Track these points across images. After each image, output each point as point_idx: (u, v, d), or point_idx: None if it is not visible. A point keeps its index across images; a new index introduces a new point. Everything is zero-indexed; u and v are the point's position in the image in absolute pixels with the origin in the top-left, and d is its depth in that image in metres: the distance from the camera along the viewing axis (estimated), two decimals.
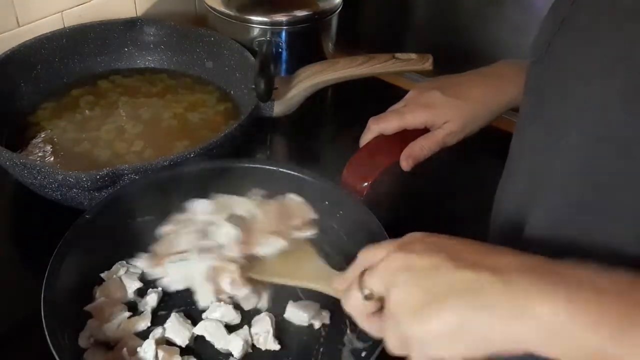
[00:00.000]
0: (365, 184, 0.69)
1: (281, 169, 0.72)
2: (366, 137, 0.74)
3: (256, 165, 0.73)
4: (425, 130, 0.73)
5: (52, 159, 0.83)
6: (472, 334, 0.40)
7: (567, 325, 0.38)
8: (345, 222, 0.69)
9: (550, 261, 0.41)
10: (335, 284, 0.52)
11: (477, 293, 0.40)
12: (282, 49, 1.00)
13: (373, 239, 0.62)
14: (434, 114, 0.72)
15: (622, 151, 0.44)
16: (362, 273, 0.47)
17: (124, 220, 0.69)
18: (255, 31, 0.98)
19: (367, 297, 0.46)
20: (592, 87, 0.45)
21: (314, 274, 0.59)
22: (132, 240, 0.69)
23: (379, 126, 0.73)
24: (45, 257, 0.60)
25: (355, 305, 0.47)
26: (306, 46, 1.03)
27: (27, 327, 0.64)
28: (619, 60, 0.43)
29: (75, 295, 0.60)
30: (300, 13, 0.99)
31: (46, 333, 0.53)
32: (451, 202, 0.85)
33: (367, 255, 0.48)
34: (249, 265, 0.63)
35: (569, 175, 0.49)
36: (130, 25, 1.00)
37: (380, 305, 0.46)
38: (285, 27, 0.99)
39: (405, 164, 0.72)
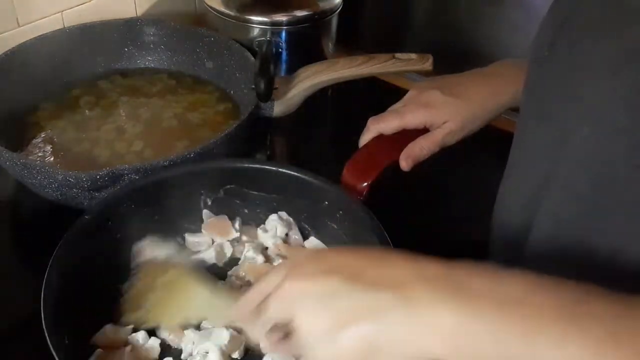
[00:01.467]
0: (365, 183, 0.69)
1: (281, 169, 0.72)
2: (366, 137, 0.74)
3: (256, 166, 0.73)
4: (424, 130, 0.73)
5: (52, 159, 0.82)
6: (383, 352, 0.40)
7: (471, 335, 0.38)
8: (345, 222, 0.69)
9: (449, 268, 0.41)
10: (234, 315, 0.51)
11: (380, 313, 0.40)
12: (282, 49, 1.00)
13: (373, 238, 0.63)
14: (434, 114, 0.72)
15: (628, 150, 0.44)
16: (261, 302, 0.46)
17: (124, 220, 0.69)
18: (255, 31, 0.98)
19: (270, 328, 0.45)
20: (599, 85, 0.45)
21: (203, 306, 0.57)
22: (132, 240, 0.70)
23: (378, 126, 0.73)
24: (45, 257, 0.60)
25: (259, 336, 0.47)
26: (306, 46, 1.03)
27: (27, 327, 0.63)
28: (624, 59, 0.43)
29: (76, 295, 0.60)
30: (300, 13, 0.99)
31: (46, 333, 0.53)
32: (451, 201, 0.85)
33: (266, 282, 0.47)
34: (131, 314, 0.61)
35: (574, 174, 0.48)
36: (130, 25, 1.00)
37: (285, 330, 0.45)
38: (285, 27, 0.99)
39: (405, 164, 0.72)
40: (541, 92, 0.54)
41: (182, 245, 0.73)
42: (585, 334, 0.36)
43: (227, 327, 0.62)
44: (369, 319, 0.40)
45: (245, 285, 0.67)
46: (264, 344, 0.48)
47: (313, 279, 0.43)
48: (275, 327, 0.45)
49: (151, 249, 0.65)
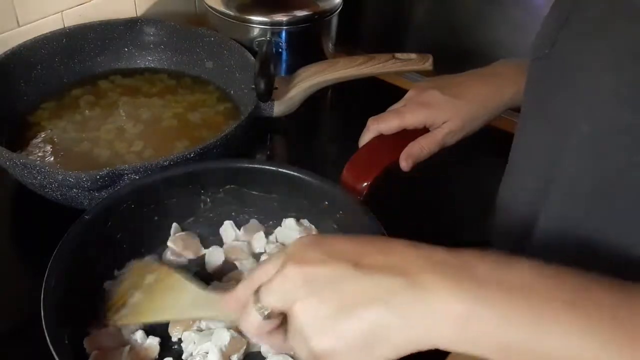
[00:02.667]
0: (365, 184, 0.69)
1: (281, 169, 0.72)
2: (365, 137, 0.74)
3: (256, 166, 0.73)
4: (424, 130, 0.73)
5: (52, 159, 0.83)
6: (388, 338, 0.40)
7: (478, 321, 0.38)
8: (345, 223, 0.69)
9: (454, 255, 0.41)
10: (224, 307, 0.50)
11: (387, 297, 0.40)
12: (282, 49, 1.00)
13: None
14: (433, 114, 0.72)
15: (629, 148, 0.43)
16: (257, 291, 0.44)
17: (124, 220, 0.69)
18: (255, 31, 0.98)
19: (267, 316, 0.44)
20: (602, 81, 0.45)
21: (192, 302, 0.56)
22: (132, 241, 0.70)
23: (378, 126, 0.73)
24: (45, 257, 0.60)
25: (253, 326, 0.45)
26: (306, 46, 1.03)
27: (27, 327, 0.63)
28: (625, 58, 0.43)
29: (75, 295, 0.60)
30: (300, 13, 0.99)
31: (46, 334, 0.53)
32: (451, 201, 0.85)
33: (258, 272, 0.46)
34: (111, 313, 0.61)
35: (578, 170, 0.48)
36: (130, 25, 1.00)
37: (280, 320, 0.44)
38: (285, 27, 0.99)
39: (405, 164, 0.72)
40: (542, 91, 0.54)
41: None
42: (590, 321, 0.37)
43: (228, 328, 0.62)
44: (377, 304, 0.40)
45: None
46: (255, 334, 0.46)
47: (316, 263, 0.42)
48: (270, 317, 0.44)
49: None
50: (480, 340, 0.38)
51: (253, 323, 0.45)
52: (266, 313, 0.44)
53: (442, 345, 0.39)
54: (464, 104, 0.72)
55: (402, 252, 0.42)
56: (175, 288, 0.58)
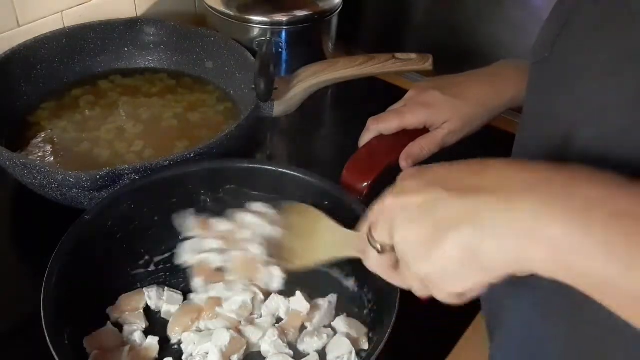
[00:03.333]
0: (365, 183, 0.69)
1: (280, 169, 0.72)
2: (365, 137, 0.74)
3: (256, 166, 0.73)
4: (424, 130, 0.73)
5: (52, 159, 0.83)
6: (480, 260, 0.39)
7: (578, 248, 0.36)
8: (345, 223, 0.69)
9: (559, 171, 0.39)
10: (354, 245, 0.52)
11: (479, 218, 0.39)
12: (282, 49, 1.00)
13: None
14: (434, 114, 0.72)
15: (631, 152, 0.43)
16: (370, 229, 0.46)
17: (124, 220, 0.69)
18: (255, 31, 0.98)
19: (381, 251, 0.45)
20: (602, 84, 0.45)
21: (336, 242, 0.57)
22: (132, 240, 0.70)
23: (378, 126, 0.73)
24: (45, 257, 0.60)
25: (375, 263, 0.47)
26: (306, 46, 1.03)
27: (27, 327, 0.64)
28: (627, 60, 0.43)
29: (75, 295, 0.60)
30: (300, 13, 0.99)
31: (46, 334, 0.53)
32: None
33: (372, 210, 0.48)
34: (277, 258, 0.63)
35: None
36: (130, 25, 1.00)
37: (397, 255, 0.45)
38: (285, 27, 0.99)
39: (405, 164, 0.72)
40: (543, 94, 0.54)
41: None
42: None
43: (227, 329, 0.62)
44: (469, 224, 0.39)
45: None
46: (378, 271, 0.48)
47: (413, 192, 0.43)
48: (384, 251, 0.45)
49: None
50: (573, 268, 0.36)
51: (372, 259, 0.47)
52: (379, 247, 0.45)
53: (535, 270, 0.38)
54: (464, 104, 0.72)
55: (499, 170, 0.41)
56: (322, 229, 0.59)
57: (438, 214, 0.41)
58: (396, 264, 0.46)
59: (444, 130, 0.72)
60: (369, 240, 0.46)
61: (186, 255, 0.65)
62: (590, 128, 0.46)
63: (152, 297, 0.67)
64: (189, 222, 0.67)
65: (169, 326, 0.64)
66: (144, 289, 0.67)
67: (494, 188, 0.39)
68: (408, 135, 0.73)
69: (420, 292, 0.45)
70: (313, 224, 0.60)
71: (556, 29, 0.52)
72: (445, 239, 0.40)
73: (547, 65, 0.53)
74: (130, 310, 0.65)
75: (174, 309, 0.66)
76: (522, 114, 0.59)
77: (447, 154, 0.75)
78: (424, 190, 0.42)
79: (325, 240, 0.58)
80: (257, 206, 0.69)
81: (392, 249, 0.45)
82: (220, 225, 0.67)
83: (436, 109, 0.72)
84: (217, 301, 0.65)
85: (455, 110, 0.72)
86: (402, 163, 0.72)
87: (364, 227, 0.49)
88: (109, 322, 0.63)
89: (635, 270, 0.34)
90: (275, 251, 0.63)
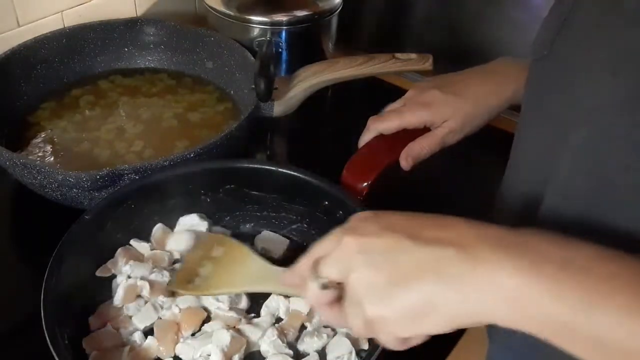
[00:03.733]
0: (365, 183, 0.69)
1: (280, 169, 0.71)
2: (365, 137, 0.74)
3: (256, 166, 0.73)
4: (425, 130, 0.73)
5: (52, 159, 0.83)
6: (439, 310, 0.40)
7: (534, 296, 0.37)
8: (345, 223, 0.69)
9: (511, 232, 0.41)
10: (286, 280, 0.51)
11: (442, 269, 0.40)
12: (282, 49, 1.00)
13: None
14: (433, 113, 0.72)
15: (625, 154, 0.43)
16: (315, 264, 0.46)
17: (123, 220, 0.69)
18: (255, 31, 0.98)
19: (325, 286, 0.45)
20: (600, 84, 0.45)
21: (258, 275, 0.58)
22: (135, 238, 0.70)
23: (378, 126, 0.73)
24: (45, 257, 0.60)
25: (314, 296, 0.46)
26: (306, 46, 1.03)
27: (27, 327, 0.63)
28: (623, 61, 0.43)
29: (75, 296, 0.60)
30: (300, 13, 0.99)
31: (46, 334, 0.53)
32: (451, 201, 0.85)
33: (319, 248, 0.47)
34: (181, 282, 0.63)
35: (572, 177, 0.48)
36: (130, 25, 1.00)
37: (339, 293, 0.45)
38: (285, 27, 0.99)
39: (405, 163, 0.72)
40: (541, 92, 0.54)
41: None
42: None
43: (227, 329, 0.62)
44: (430, 275, 0.40)
45: None
46: (315, 305, 0.47)
47: (373, 235, 0.43)
48: (328, 287, 0.45)
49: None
50: (531, 317, 0.38)
51: (312, 294, 0.46)
52: (323, 283, 0.45)
53: (493, 320, 0.39)
54: (464, 102, 0.72)
55: (458, 226, 0.42)
56: (243, 261, 0.60)
57: (400, 261, 0.41)
58: (335, 301, 0.46)
59: (444, 129, 0.72)
60: (313, 273, 0.46)
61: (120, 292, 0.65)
62: (584, 128, 0.46)
63: (129, 308, 0.64)
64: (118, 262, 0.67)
65: (159, 349, 0.62)
66: (123, 307, 0.64)
67: (455, 241, 0.40)
68: (408, 135, 0.73)
69: (359, 332, 0.45)
70: (238, 257, 0.61)
71: (555, 28, 0.52)
72: (407, 287, 0.40)
73: (546, 63, 0.53)
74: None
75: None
76: (521, 111, 0.59)
77: (448, 154, 0.75)
78: (385, 235, 0.43)
79: (248, 273, 0.59)
80: (192, 217, 0.72)
81: (336, 285, 0.45)
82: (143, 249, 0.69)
83: (436, 108, 0.72)
84: (195, 311, 0.65)
85: (455, 108, 0.72)
86: (403, 162, 0.72)
87: (305, 261, 0.48)
88: (108, 323, 0.63)
89: (593, 313, 0.36)
90: (184, 276, 0.64)
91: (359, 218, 0.46)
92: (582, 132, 0.46)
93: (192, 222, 0.72)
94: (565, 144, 0.48)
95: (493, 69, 0.75)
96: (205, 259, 0.64)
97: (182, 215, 0.73)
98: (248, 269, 0.59)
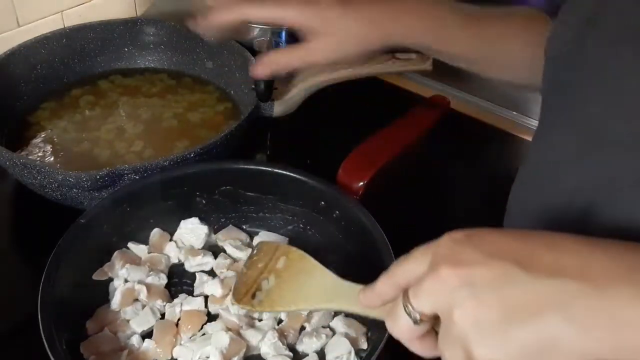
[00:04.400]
0: (361, 183, 0.69)
1: (276, 170, 0.71)
2: (225, 17, 0.62)
3: (252, 167, 0.73)
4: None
5: (52, 159, 0.83)
6: (561, 351, 0.35)
7: None
8: (342, 222, 0.69)
9: (630, 253, 0.36)
10: (364, 301, 0.46)
11: (564, 306, 0.35)
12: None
13: (370, 238, 0.63)
14: (312, 16, 0.60)
15: None
16: (405, 291, 0.40)
17: (123, 221, 0.69)
18: (255, 31, 0.98)
19: (418, 322, 0.40)
20: (634, 85, 0.43)
21: (329, 291, 0.51)
22: (129, 242, 0.70)
23: (248, 10, 0.62)
24: (45, 257, 0.60)
25: (403, 330, 0.41)
26: None
27: (26, 328, 0.63)
28: None
29: (72, 299, 0.60)
30: None
31: (43, 336, 0.53)
32: (448, 200, 0.85)
33: (404, 270, 0.42)
34: (241, 296, 0.56)
35: (616, 174, 0.45)
36: (130, 25, 1.00)
37: (431, 324, 0.41)
38: (285, 27, 0.99)
39: (260, 71, 0.63)
40: (568, 93, 0.51)
41: None
42: None
43: (226, 331, 0.62)
44: (553, 311, 0.35)
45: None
46: (405, 338, 0.42)
47: (475, 264, 0.37)
48: (422, 321, 0.40)
49: None
50: None
51: (403, 327, 0.41)
52: (418, 317, 0.40)
53: (626, 358, 0.35)
54: (357, 18, 0.60)
55: (574, 249, 0.37)
56: (310, 274, 0.54)
57: (513, 295, 0.36)
58: (429, 333, 0.41)
59: (318, 42, 0.61)
60: (404, 305, 0.40)
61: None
62: (627, 127, 0.44)
63: (127, 312, 0.64)
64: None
65: (157, 351, 0.61)
66: (121, 311, 0.64)
67: (578, 272, 0.36)
68: (405, 134, 0.72)
69: None
70: (304, 269, 0.55)
71: (577, 27, 0.50)
72: (523, 324, 0.35)
73: (568, 62, 0.51)
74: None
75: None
76: (540, 115, 0.57)
77: (446, 152, 0.75)
78: (491, 264, 0.37)
79: (317, 288, 0.52)
80: (192, 221, 0.71)
81: (431, 319, 0.40)
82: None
83: (317, 12, 0.60)
84: (197, 314, 0.64)
85: (342, 22, 0.60)
86: (257, 70, 0.63)
87: (387, 284, 0.43)
88: (106, 327, 0.63)
89: None
90: (244, 289, 0.57)
91: (453, 240, 0.39)
92: (618, 134, 0.44)
93: (192, 226, 0.72)
94: (601, 147, 0.46)
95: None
96: (267, 271, 0.57)
97: (178, 216, 0.73)
98: (317, 284, 0.53)
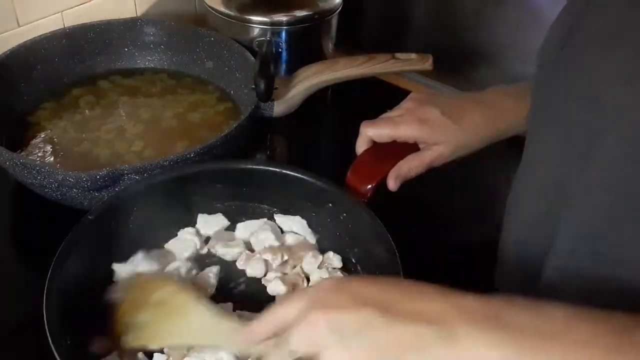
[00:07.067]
0: (369, 186, 0.69)
1: (285, 171, 0.71)
2: (359, 143, 0.72)
3: (257, 167, 0.73)
4: (415, 146, 0.72)
5: (52, 159, 0.83)
6: None
7: None
8: (349, 225, 0.69)
9: (485, 302, 0.40)
10: (241, 339, 0.48)
11: (419, 349, 0.38)
12: (282, 49, 1.00)
13: (377, 240, 0.63)
14: (428, 133, 0.70)
15: None
16: (280, 331, 0.44)
17: (126, 221, 0.69)
18: (255, 31, 0.98)
19: (295, 357, 0.43)
20: (625, 91, 0.44)
21: (204, 328, 0.53)
22: (134, 241, 0.70)
23: (369, 131, 0.71)
24: (45, 257, 0.60)
25: None
26: (306, 46, 1.03)
27: (27, 327, 0.63)
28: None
29: (77, 296, 0.60)
30: (300, 13, 0.99)
31: (48, 335, 0.53)
32: (455, 204, 0.85)
33: (278, 311, 0.45)
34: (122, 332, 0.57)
35: (601, 185, 0.46)
36: (130, 25, 1.00)
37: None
38: (285, 27, 0.99)
39: (393, 183, 0.70)
40: (557, 100, 0.52)
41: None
42: None
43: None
44: (409, 355, 0.38)
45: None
46: None
47: (342, 310, 0.40)
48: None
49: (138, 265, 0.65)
50: None
51: None
52: (295, 357, 0.43)
53: None
54: (460, 130, 0.70)
55: (432, 298, 0.41)
56: (186, 310, 0.55)
57: (375, 340, 0.39)
58: None
59: (434, 152, 0.70)
60: (281, 342, 0.43)
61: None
62: (618, 133, 0.44)
63: None
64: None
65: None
66: None
67: (431, 317, 0.39)
68: (408, 144, 0.72)
69: None
70: (175, 303, 0.56)
71: (565, 33, 0.51)
72: None
73: (555, 69, 0.52)
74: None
75: None
76: (529, 118, 0.58)
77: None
78: (355, 310, 0.40)
79: (194, 324, 0.54)
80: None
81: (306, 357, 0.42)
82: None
83: (431, 129, 0.70)
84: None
85: (450, 135, 0.70)
86: (391, 183, 0.70)
87: (264, 324, 0.46)
88: (114, 352, 0.60)
89: None
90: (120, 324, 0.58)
91: (325, 287, 0.43)
92: (610, 140, 0.45)
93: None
94: (591, 153, 0.46)
95: (490, 99, 0.73)
96: (140, 307, 0.58)
97: (178, 217, 0.72)
98: (192, 320, 0.54)
